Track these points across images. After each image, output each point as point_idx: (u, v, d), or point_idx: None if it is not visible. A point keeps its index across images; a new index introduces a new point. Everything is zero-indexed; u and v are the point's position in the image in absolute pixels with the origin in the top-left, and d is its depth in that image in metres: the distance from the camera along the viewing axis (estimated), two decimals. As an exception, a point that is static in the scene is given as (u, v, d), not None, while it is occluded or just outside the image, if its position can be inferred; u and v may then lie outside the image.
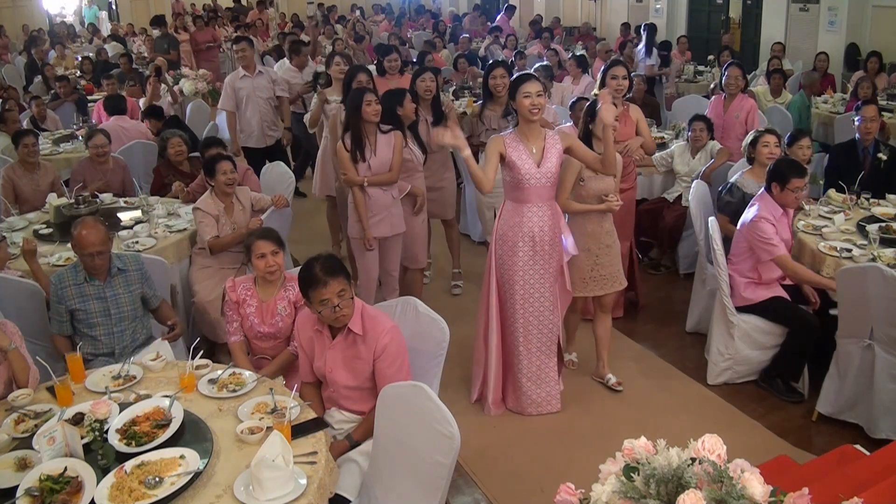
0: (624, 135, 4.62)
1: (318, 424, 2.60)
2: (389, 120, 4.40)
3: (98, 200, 4.93)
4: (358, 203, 4.36)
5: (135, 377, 2.94)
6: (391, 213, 4.44)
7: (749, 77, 8.68)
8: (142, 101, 7.89)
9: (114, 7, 19.85)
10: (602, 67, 5.03)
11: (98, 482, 2.23)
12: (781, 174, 3.89)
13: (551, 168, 3.63)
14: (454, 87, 8.40)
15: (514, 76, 3.84)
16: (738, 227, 4.06)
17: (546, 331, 3.81)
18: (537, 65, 7.86)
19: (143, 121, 7.03)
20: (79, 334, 3.44)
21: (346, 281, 2.79)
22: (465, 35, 11.71)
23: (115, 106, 6.79)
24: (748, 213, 4.01)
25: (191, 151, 5.75)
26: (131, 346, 3.44)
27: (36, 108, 7.63)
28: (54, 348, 3.43)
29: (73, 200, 4.84)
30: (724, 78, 5.85)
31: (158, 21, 12.80)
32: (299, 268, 2.93)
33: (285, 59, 7.99)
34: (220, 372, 2.92)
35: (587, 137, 4.02)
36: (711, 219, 4.19)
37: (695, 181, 4.88)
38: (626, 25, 12.69)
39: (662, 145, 6.13)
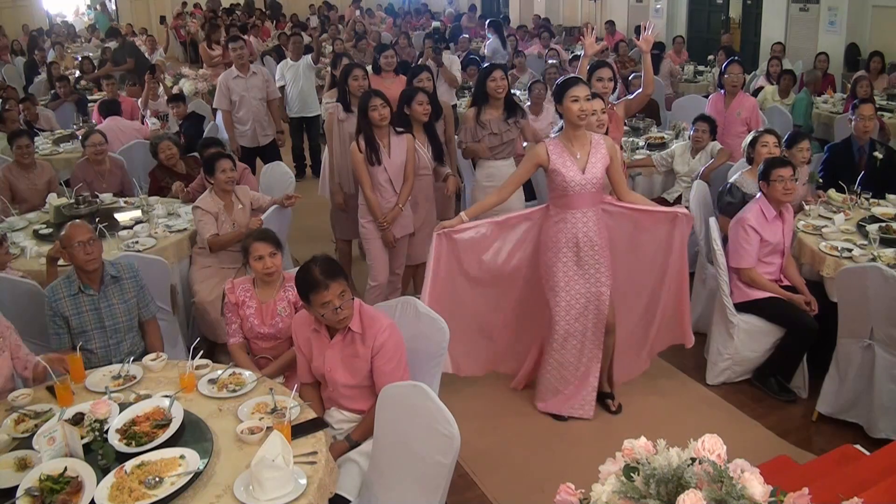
0: (613, 140, 4.63)
1: (317, 424, 2.60)
2: (400, 120, 4.41)
3: (98, 200, 4.93)
4: (371, 205, 4.37)
5: (135, 377, 2.94)
6: (401, 215, 4.46)
7: (749, 77, 8.71)
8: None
9: (113, 7, 19.86)
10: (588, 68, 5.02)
11: (98, 482, 2.23)
12: (764, 170, 3.98)
13: (597, 174, 3.54)
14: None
15: (561, 79, 3.67)
16: (730, 225, 4.10)
17: (591, 335, 3.73)
18: (550, 61, 7.84)
19: (169, 104, 7.14)
20: (74, 347, 3.33)
21: (346, 282, 2.80)
22: (464, 36, 11.72)
23: (109, 109, 6.85)
24: (739, 213, 4.07)
25: (189, 151, 5.75)
26: (128, 359, 3.38)
27: (25, 109, 7.57)
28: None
29: (73, 200, 4.84)
30: (724, 76, 5.85)
31: (114, 33, 12.61)
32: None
33: (287, 59, 7.98)
34: (220, 372, 2.92)
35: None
36: (711, 219, 4.19)
37: (695, 181, 4.88)
38: (610, 23, 12.71)
39: (662, 145, 6.13)
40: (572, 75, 3.83)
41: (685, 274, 3.83)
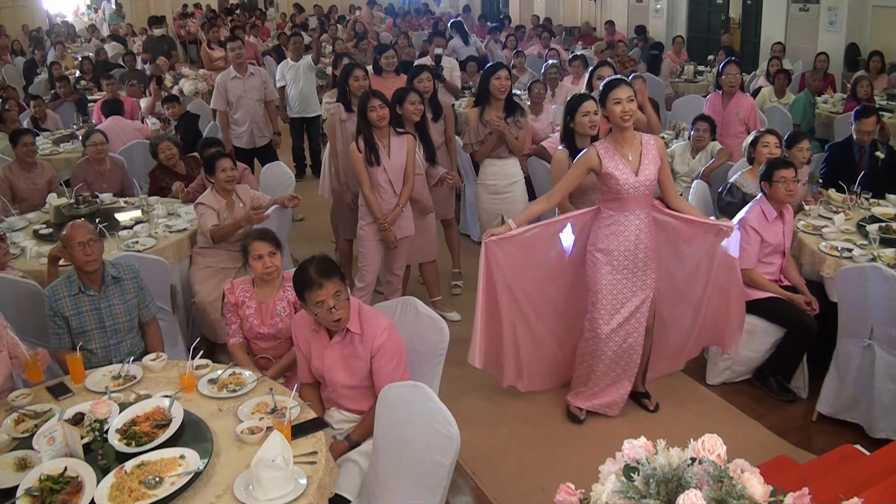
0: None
1: (317, 424, 2.60)
2: (392, 120, 4.41)
3: (98, 200, 4.93)
4: (371, 205, 4.37)
5: (135, 377, 2.94)
6: (402, 216, 4.46)
7: (749, 77, 8.70)
8: (143, 102, 7.94)
9: (113, 7, 19.84)
10: (590, 69, 5.02)
11: (98, 482, 2.24)
12: (766, 171, 3.98)
13: (650, 175, 3.47)
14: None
15: (605, 81, 3.55)
16: None
17: (632, 338, 3.68)
18: (550, 62, 7.85)
19: (164, 105, 7.17)
20: (74, 347, 3.30)
21: (341, 282, 2.79)
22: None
23: (112, 109, 6.87)
24: (740, 213, 4.06)
25: (189, 152, 5.76)
26: (128, 359, 3.37)
27: (36, 107, 7.64)
28: (60, 366, 3.24)
29: (73, 200, 4.84)
30: (721, 76, 5.85)
31: (158, 21, 12.61)
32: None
33: (287, 59, 7.97)
34: (220, 372, 2.92)
35: (570, 135, 4.00)
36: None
37: (695, 181, 4.88)
38: (610, 24, 12.74)
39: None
40: (616, 76, 3.69)
41: (737, 281, 3.76)
